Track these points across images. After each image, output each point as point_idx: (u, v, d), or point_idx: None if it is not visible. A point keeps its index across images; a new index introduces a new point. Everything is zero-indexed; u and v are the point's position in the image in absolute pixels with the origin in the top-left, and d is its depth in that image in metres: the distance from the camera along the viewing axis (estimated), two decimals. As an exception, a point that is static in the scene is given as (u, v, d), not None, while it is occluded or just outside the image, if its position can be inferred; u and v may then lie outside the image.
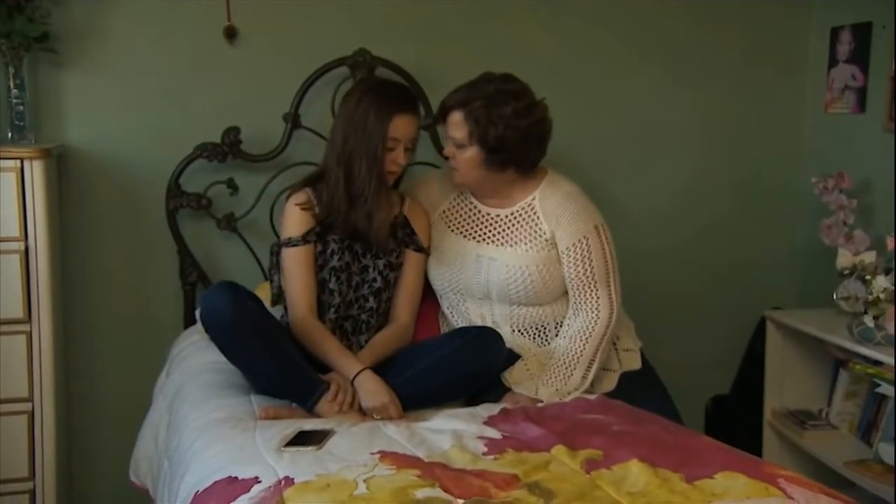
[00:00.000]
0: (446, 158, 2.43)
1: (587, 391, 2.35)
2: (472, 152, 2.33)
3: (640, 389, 2.43)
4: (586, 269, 2.37)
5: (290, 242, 2.33)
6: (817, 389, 3.04)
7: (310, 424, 2.03)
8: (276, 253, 2.40)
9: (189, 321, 2.82)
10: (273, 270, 2.42)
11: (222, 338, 2.16)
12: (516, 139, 2.31)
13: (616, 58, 3.12)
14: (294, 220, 2.34)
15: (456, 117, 2.33)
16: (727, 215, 3.28)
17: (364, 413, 2.17)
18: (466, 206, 2.50)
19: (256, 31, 2.84)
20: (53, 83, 2.72)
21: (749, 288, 3.31)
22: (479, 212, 2.47)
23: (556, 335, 2.44)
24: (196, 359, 2.48)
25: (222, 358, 2.29)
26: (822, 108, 3.20)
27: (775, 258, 3.34)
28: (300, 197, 2.36)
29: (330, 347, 2.27)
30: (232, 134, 2.78)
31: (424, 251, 2.46)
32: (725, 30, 3.20)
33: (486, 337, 2.29)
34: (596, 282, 2.38)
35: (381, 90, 2.36)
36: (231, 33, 2.81)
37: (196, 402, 2.21)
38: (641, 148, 3.19)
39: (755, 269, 3.32)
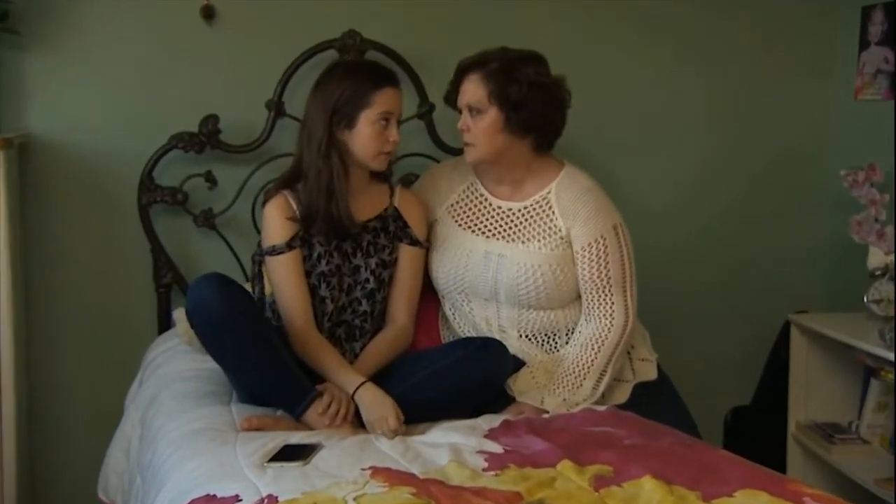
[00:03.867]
0: (461, 132, 2.41)
1: (597, 402, 2.36)
2: (491, 115, 2.35)
3: (654, 400, 2.44)
4: (601, 272, 2.38)
5: (275, 250, 2.33)
6: (846, 400, 3.05)
7: (296, 437, 2.04)
8: (257, 262, 2.40)
9: (164, 326, 2.83)
10: (255, 280, 2.43)
11: (209, 333, 2.16)
12: (540, 97, 2.34)
13: (620, 40, 3.12)
14: (275, 226, 2.33)
15: (473, 78, 2.36)
16: (746, 211, 3.29)
17: (358, 426, 2.18)
18: (476, 198, 2.50)
19: (237, 10, 2.84)
20: (15, 67, 2.72)
21: (771, 290, 3.31)
22: (490, 205, 2.48)
23: (567, 343, 2.45)
24: (171, 366, 2.49)
25: (200, 364, 2.29)
26: (851, 95, 3.20)
27: (800, 257, 3.34)
28: (279, 202, 2.34)
29: (328, 360, 2.28)
30: (210, 123, 2.79)
31: (420, 245, 2.47)
32: (740, 8, 3.19)
33: (491, 348, 2.30)
34: (611, 286, 2.39)
35: (360, 67, 2.41)
36: (209, 13, 2.81)
37: (172, 412, 2.21)
38: (650, 138, 3.19)
39: (778, 269, 3.33)
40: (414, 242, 2.46)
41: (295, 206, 2.34)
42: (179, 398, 2.28)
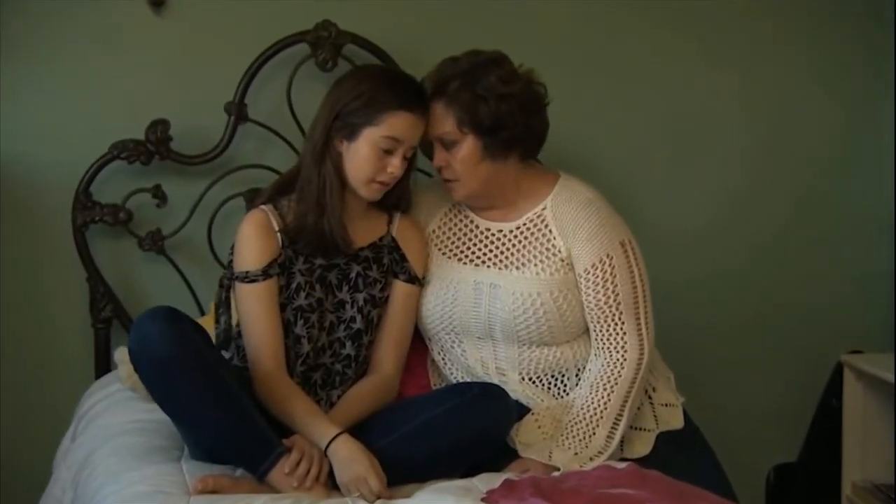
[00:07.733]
0: (439, 170, 2.44)
1: (614, 456, 2.36)
2: (468, 145, 2.36)
3: (682, 455, 2.44)
4: (608, 297, 2.39)
5: (248, 277, 2.32)
6: (910, 457, 3.06)
7: (259, 501, 2.03)
8: (226, 287, 2.39)
9: (102, 368, 2.83)
10: (221, 309, 2.42)
11: (156, 376, 2.14)
12: (513, 109, 2.35)
13: (641, 33, 3.14)
14: (251, 248, 2.33)
15: (437, 110, 2.36)
16: (789, 234, 3.30)
17: (333, 488, 2.16)
18: (461, 222, 2.52)
19: (191, -3, 2.87)
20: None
21: (820, 326, 3.32)
22: (477, 227, 2.49)
23: (578, 385, 2.45)
24: (111, 416, 2.48)
25: (145, 415, 2.28)
26: (915, 99, 3.22)
27: (853, 289, 3.34)
28: (257, 220, 2.35)
29: (299, 409, 2.26)
30: (159, 129, 2.79)
31: (418, 282, 2.47)
32: (783, -3, 3.22)
33: (491, 395, 2.29)
34: (621, 313, 2.40)
35: (389, 77, 2.40)
36: (158, 1, 2.83)
37: (111, 472, 2.19)
38: (676, 149, 3.21)
39: (828, 302, 3.33)
40: (411, 279, 2.46)
41: (276, 225, 2.35)
42: (120, 455, 2.26)
